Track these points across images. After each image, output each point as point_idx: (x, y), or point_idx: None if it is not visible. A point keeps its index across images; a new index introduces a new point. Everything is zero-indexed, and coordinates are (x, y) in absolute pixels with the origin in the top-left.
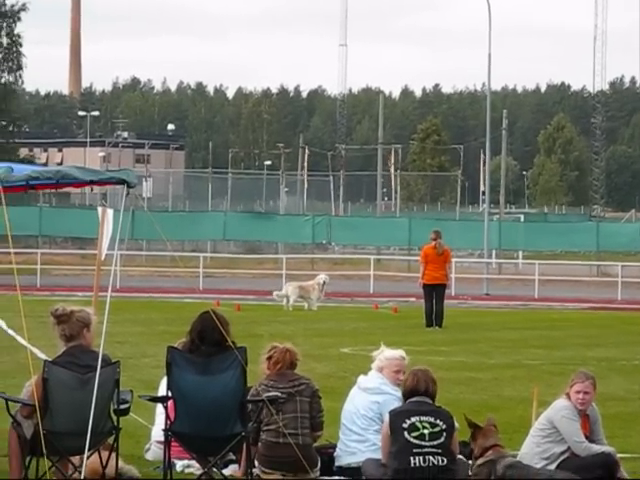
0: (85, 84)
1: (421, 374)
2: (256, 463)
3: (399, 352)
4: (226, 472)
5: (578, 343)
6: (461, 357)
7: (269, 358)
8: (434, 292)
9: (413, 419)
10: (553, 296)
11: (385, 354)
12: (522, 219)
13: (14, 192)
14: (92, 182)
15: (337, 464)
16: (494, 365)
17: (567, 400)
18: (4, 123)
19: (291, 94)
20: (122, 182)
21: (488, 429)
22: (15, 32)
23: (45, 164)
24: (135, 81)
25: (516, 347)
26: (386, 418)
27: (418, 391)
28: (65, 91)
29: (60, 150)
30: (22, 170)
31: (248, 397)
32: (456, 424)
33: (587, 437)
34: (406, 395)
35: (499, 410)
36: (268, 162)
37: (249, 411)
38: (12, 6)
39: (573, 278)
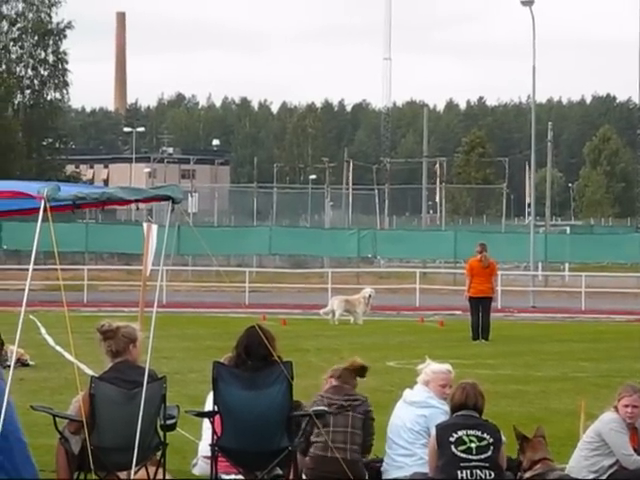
0: (130, 100)
1: (470, 388)
2: (304, 477)
3: (445, 366)
4: None
5: (625, 355)
6: (508, 370)
7: (331, 376)
8: (480, 305)
9: (460, 433)
10: (600, 308)
11: (431, 368)
12: (568, 231)
13: (61, 212)
14: (137, 201)
15: (384, 478)
16: (541, 378)
17: (615, 413)
18: (50, 140)
19: (335, 108)
20: (167, 198)
21: (537, 441)
22: (61, 49)
23: (91, 180)
24: (180, 97)
25: (563, 359)
26: (433, 432)
27: (467, 405)
28: (111, 107)
29: (106, 166)
30: (69, 190)
31: (307, 408)
32: (503, 438)
33: (636, 450)
34: (454, 409)
35: (546, 423)
36: (313, 176)
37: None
38: (58, 24)
39: (620, 290)
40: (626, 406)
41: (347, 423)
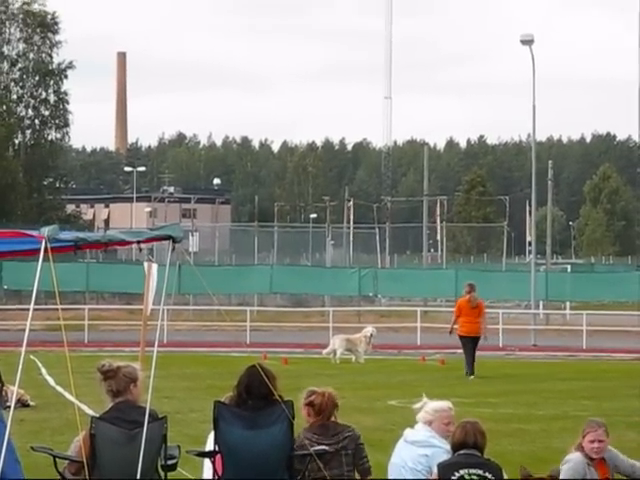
0: (131, 140)
1: (470, 427)
2: None
3: (446, 404)
4: None
5: (627, 394)
6: (509, 408)
7: (310, 404)
8: (470, 343)
9: (462, 472)
10: (601, 347)
11: (432, 407)
12: (569, 269)
13: (62, 252)
14: (139, 242)
15: None
16: (542, 416)
17: (579, 451)
18: (51, 179)
19: (336, 147)
20: (168, 238)
21: None
22: (62, 89)
23: (92, 220)
24: (181, 136)
25: (564, 398)
26: (435, 470)
27: (467, 444)
28: (111, 147)
29: (107, 206)
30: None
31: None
32: (505, 476)
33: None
34: (454, 448)
35: (548, 462)
36: (314, 215)
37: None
38: (59, 64)
39: (621, 328)
40: (592, 442)
41: (341, 463)
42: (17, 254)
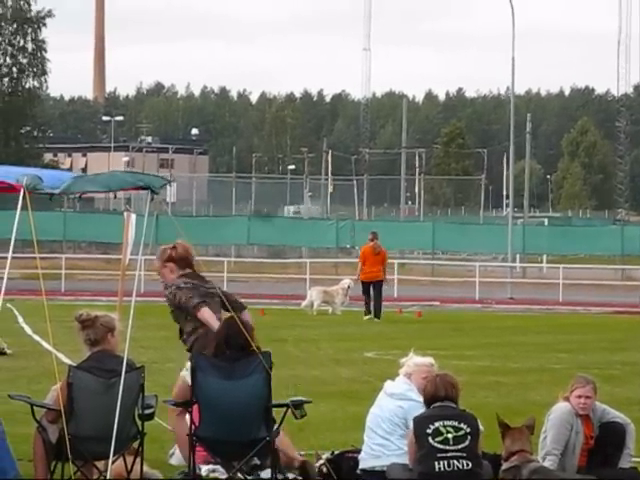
0: (109, 89)
1: (439, 380)
2: None
3: (428, 359)
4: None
5: (602, 347)
6: (486, 361)
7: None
8: (372, 288)
9: (437, 424)
10: (577, 300)
11: (415, 360)
12: (546, 223)
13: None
14: (115, 190)
15: (361, 467)
16: (518, 369)
17: (565, 402)
18: (28, 128)
19: (315, 98)
20: (146, 188)
21: (518, 431)
22: (40, 38)
23: (69, 169)
24: (159, 86)
25: (540, 351)
26: (411, 424)
27: (438, 397)
28: (89, 96)
29: (84, 155)
30: (51, 177)
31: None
32: (481, 427)
33: (591, 437)
34: (427, 402)
35: (524, 414)
36: (292, 166)
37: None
38: (38, 12)
39: (597, 282)
40: (579, 397)
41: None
42: None
